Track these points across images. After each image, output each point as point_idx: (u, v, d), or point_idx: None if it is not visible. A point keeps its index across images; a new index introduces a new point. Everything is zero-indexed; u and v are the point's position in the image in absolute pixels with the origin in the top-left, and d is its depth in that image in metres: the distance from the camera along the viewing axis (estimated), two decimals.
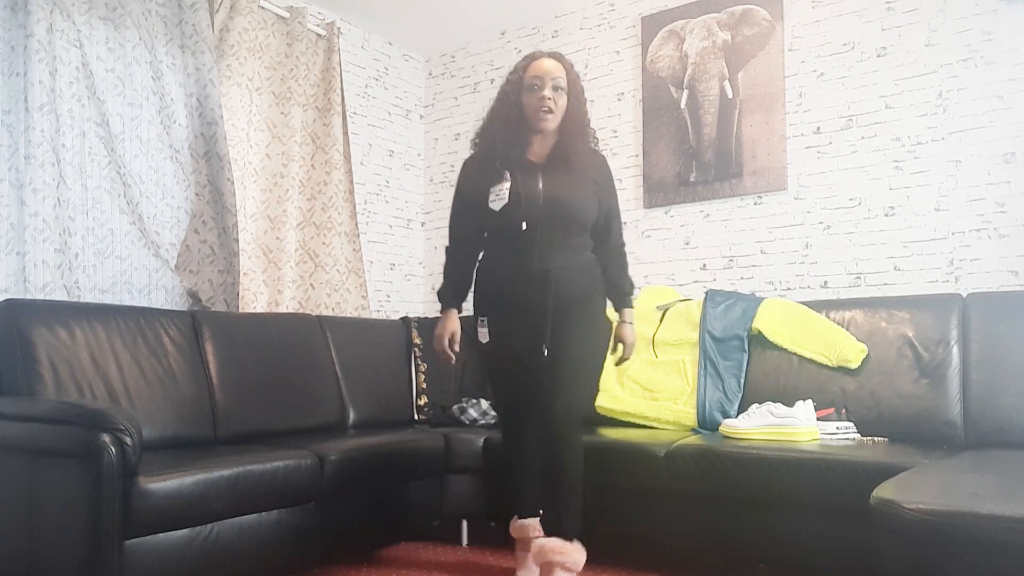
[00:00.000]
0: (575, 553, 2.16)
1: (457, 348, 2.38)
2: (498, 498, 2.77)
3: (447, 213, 2.50)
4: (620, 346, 2.41)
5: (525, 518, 2.34)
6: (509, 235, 2.24)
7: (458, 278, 2.42)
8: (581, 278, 2.27)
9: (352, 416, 3.23)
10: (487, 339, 2.30)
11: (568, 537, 2.16)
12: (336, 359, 3.28)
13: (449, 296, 2.42)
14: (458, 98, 4.37)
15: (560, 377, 2.18)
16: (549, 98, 2.19)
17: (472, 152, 2.38)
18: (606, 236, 2.34)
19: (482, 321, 2.32)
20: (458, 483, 2.91)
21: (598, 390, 2.96)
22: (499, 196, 2.22)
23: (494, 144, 2.26)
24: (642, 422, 2.99)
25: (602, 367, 2.34)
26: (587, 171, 2.27)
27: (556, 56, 2.27)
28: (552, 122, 2.22)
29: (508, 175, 2.24)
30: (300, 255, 3.62)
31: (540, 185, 2.22)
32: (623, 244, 2.43)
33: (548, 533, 2.18)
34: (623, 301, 2.41)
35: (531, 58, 2.27)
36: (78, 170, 2.80)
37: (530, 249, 2.22)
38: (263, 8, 3.49)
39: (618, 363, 2.44)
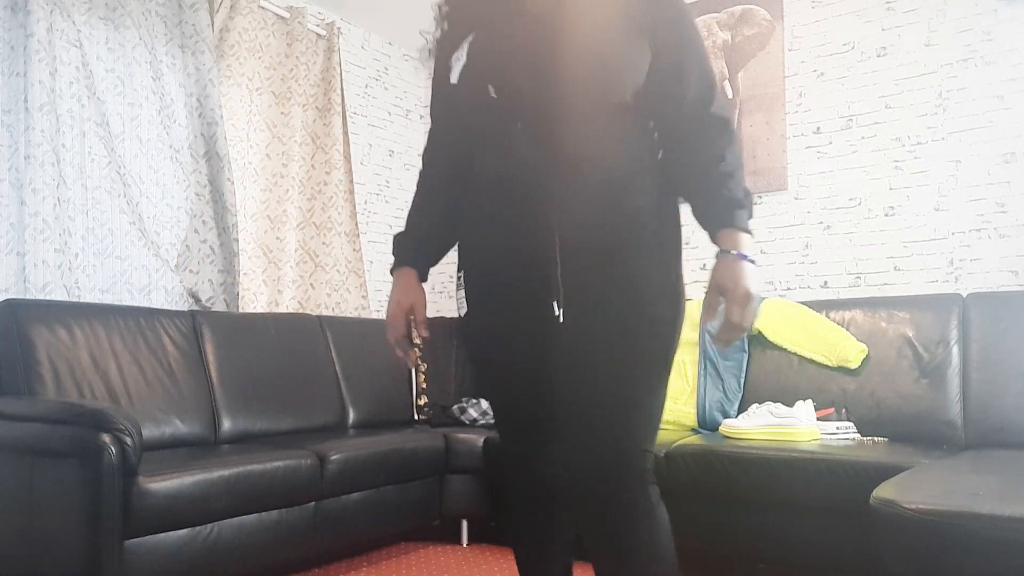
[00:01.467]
0: None
1: (423, 334, 1.51)
2: (499, 498, 2.77)
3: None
4: (721, 304, 1.26)
5: None
6: (480, 119, 1.32)
7: (421, 221, 1.48)
8: (617, 189, 1.26)
9: (352, 416, 3.23)
10: (465, 307, 1.39)
11: None
12: (336, 359, 3.28)
13: (404, 248, 1.50)
14: None
15: (590, 372, 1.25)
16: None
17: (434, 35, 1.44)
18: (675, 102, 1.29)
19: (460, 278, 1.41)
20: (458, 483, 2.91)
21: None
22: (458, 59, 1.32)
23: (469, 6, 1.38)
24: None
25: (663, 362, 1.29)
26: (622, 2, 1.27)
27: None
28: None
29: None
30: (300, 255, 3.62)
31: (523, 29, 1.28)
32: (726, 119, 1.31)
33: None
34: (725, 217, 1.27)
35: None
36: (78, 170, 2.80)
37: (519, 136, 1.26)
38: (263, 8, 3.49)
39: (719, 340, 1.26)
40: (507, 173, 1.27)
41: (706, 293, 1.29)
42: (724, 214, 1.27)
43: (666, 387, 1.31)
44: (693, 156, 1.30)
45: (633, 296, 1.25)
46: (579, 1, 1.27)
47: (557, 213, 1.23)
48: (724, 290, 1.24)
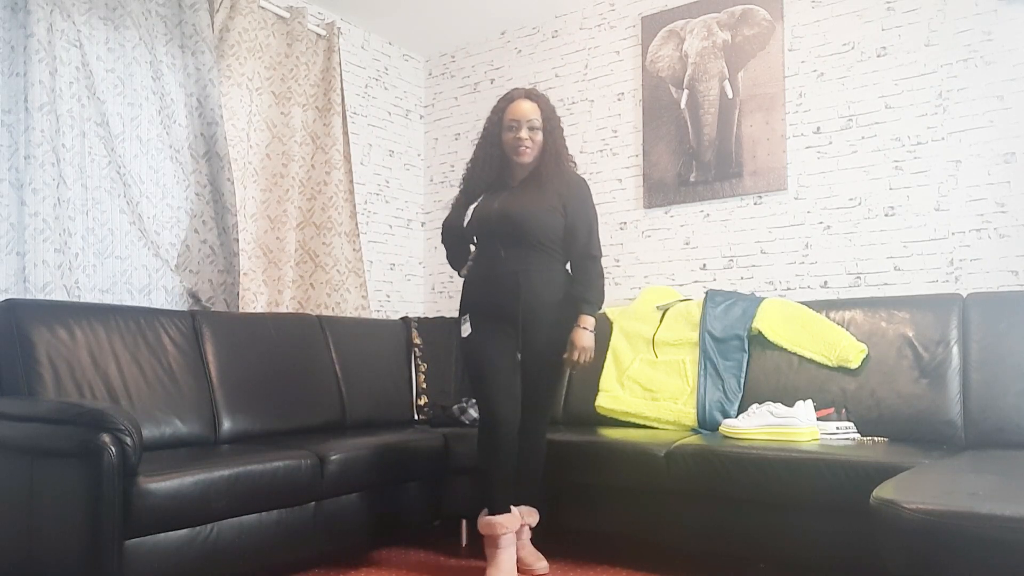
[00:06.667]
0: (534, 513, 2.59)
1: None
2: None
3: (447, 213, 2.72)
4: (572, 350, 2.48)
5: (496, 514, 2.41)
6: (476, 247, 2.61)
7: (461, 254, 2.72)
8: (546, 287, 2.48)
9: (352, 416, 3.23)
10: (468, 332, 2.52)
11: (536, 505, 2.59)
12: (336, 359, 3.28)
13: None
14: (458, 98, 4.36)
15: (538, 385, 2.51)
16: (526, 138, 2.48)
17: (460, 188, 2.67)
18: (572, 247, 2.53)
19: (465, 318, 2.54)
20: (458, 483, 2.91)
21: (596, 390, 3.19)
22: (467, 215, 2.56)
23: (479, 178, 2.58)
24: (642, 422, 2.99)
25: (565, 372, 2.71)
26: (552, 190, 2.50)
27: (532, 95, 2.54)
28: (529, 156, 2.51)
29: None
30: (300, 255, 3.62)
31: (496, 204, 2.50)
32: (595, 256, 2.54)
33: (521, 502, 2.53)
34: (583, 308, 2.51)
35: (508, 99, 2.54)
36: (78, 170, 2.80)
37: (494, 258, 2.50)
38: (263, 8, 3.49)
39: (570, 367, 2.53)
40: (496, 273, 2.51)
41: (569, 343, 2.49)
42: (583, 307, 2.51)
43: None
44: (575, 279, 2.55)
45: (554, 337, 2.51)
46: (528, 187, 2.53)
47: (522, 294, 2.47)
48: (573, 342, 2.48)
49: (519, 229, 2.46)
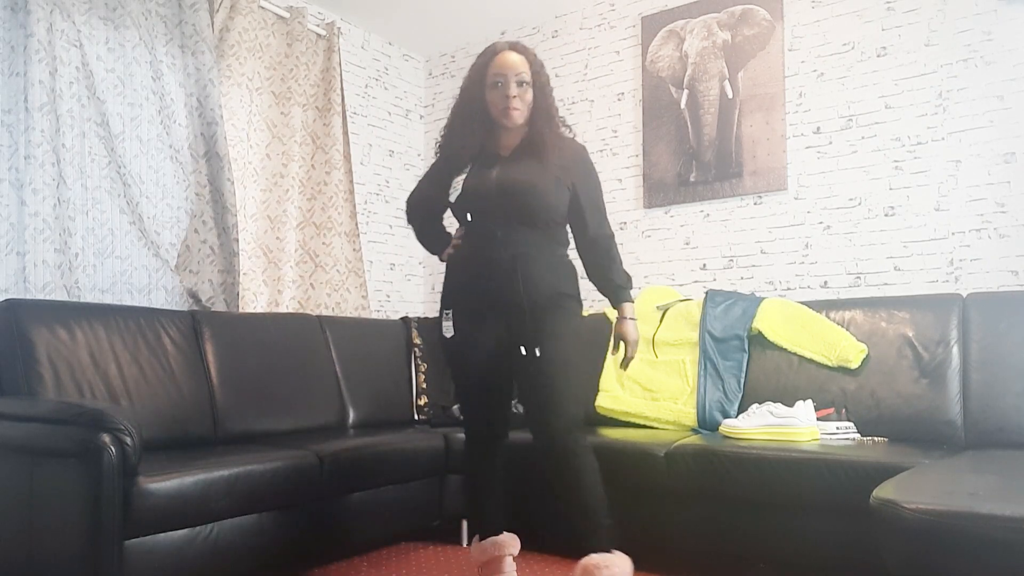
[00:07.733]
0: (621, 564, 1.98)
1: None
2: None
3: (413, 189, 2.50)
4: (622, 345, 2.20)
5: (488, 536, 2.26)
6: (465, 226, 2.20)
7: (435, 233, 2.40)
8: (549, 274, 2.14)
9: (352, 416, 3.23)
10: (451, 333, 2.18)
11: (606, 548, 1.98)
12: (336, 359, 3.28)
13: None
14: None
15: (547, 380, 2.05)
16: (514, 95, 2.10)
17: (436, 153, 2.31)
18: (584, 227, 2.20)
19: (447, 314, 2.21)
20: (458, 483, 2.91)
21: (596, 390, 3.16)
22: (455, 188, 2.17)
23: (460, 145, 2.19)
24: (642, 422, 2.99)
25: (581, 370, 2.19)
26: (555, 159, 2.14)
27: (518, 48, 2.16)
28: (519, 118, 2.14)
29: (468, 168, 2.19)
30: (300, 255, 3.62)
31: (494, 175, 2.13)
32: (610, 235, 2.23)
33: (587, 550, 1.99)
34: (619, 295, 2.20)
35: (492, 52, 2.15)
36: (78, 170, 2.80)
37: (488, 239, 2.13)
38: (263, 8, 3.49)
39: (623, 365, 2.20)
40: (488, 258, 2.13)
41: (613, 338, 2.22)
42: (618, 294, 2.21)
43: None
44: (596, 263, 2.23)
45: (568, 329, 2.13)
46: (526, 155, 2.15)
47: (521, 276, 2.10)
48: (625, 337, 2.20)
49: (522, 205, 2.09)
